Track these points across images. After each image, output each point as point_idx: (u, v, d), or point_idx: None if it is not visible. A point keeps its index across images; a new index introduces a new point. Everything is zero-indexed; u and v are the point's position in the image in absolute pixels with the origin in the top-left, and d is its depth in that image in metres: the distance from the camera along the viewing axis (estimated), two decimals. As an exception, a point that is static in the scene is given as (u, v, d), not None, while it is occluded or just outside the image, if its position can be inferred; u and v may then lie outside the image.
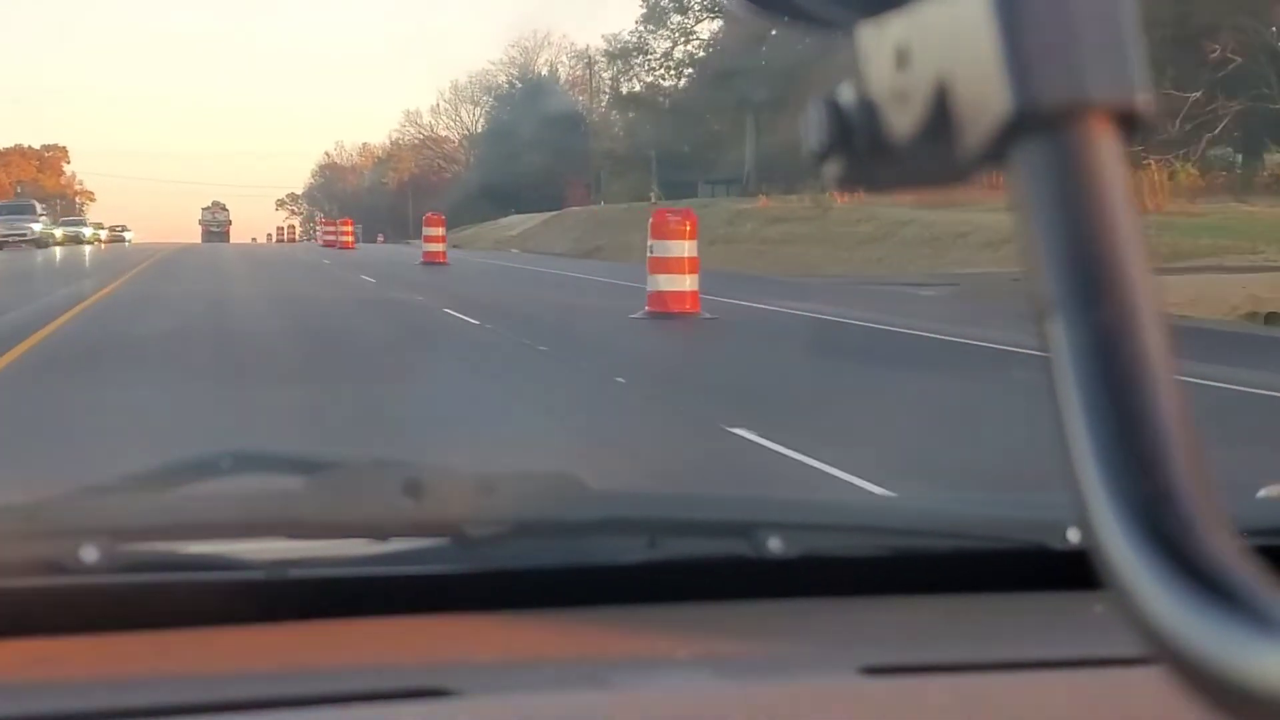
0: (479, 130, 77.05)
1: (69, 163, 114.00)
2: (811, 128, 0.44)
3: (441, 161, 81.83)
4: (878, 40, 0.42)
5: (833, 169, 0.44)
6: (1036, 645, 1.18)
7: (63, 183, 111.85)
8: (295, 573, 1.19)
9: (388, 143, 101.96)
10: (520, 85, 71.07)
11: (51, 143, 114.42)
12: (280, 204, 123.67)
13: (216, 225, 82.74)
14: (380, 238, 73.58)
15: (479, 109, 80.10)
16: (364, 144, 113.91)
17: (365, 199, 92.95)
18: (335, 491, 1.28)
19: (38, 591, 1.15)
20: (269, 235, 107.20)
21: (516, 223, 50.17)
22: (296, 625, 1.17)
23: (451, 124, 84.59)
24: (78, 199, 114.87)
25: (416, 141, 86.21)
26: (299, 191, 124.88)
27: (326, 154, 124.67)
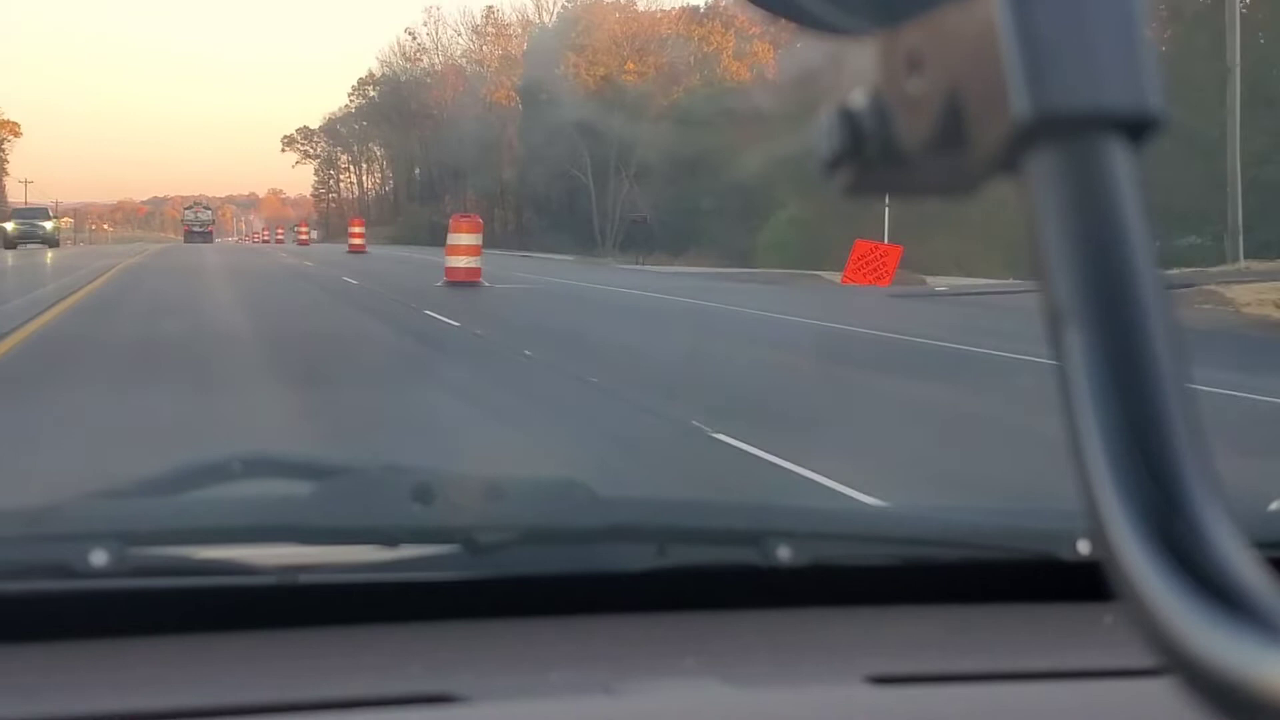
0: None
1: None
2: (822, 135, 0.44)
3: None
4: (889, 47, 0.42)
5: (843, 177, 0.44)
6: (1046, 656, 1.18)
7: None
8: (305, 578, 1.19)
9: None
10: None
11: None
12: (288, 143, 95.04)
13: (199, 225, 77.32)
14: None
15: None
16: (489, 8, 60.67)
17: (477, 133, 47.82)
18: (346, 497, 1.28)
19: (47, 595, 1.15)
20: (266, 231, 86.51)
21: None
22: (306, 630, 1.17)
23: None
24: (-5, 134, 79.76)
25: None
26: (315, 125, 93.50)
27: (408, 33, 78.38)
